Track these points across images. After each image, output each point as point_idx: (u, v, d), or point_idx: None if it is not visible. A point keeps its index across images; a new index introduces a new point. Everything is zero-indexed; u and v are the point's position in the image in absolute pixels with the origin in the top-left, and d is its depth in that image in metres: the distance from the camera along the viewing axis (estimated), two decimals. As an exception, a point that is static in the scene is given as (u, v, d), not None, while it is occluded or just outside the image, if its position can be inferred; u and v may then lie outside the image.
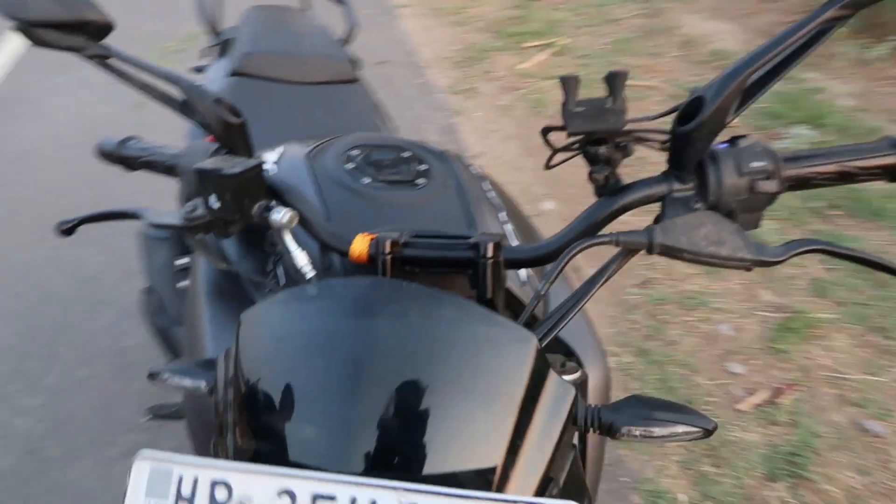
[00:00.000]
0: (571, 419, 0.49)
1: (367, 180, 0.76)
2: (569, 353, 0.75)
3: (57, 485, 1.48)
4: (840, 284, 1.95)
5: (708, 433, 0.50)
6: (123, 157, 0.72)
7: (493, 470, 0.44)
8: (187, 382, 0.55)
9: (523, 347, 0.48)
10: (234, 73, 1.28)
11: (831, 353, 1.76)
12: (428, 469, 0.42)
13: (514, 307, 0.76)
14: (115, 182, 1.89)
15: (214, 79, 1.34)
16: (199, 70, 1.51)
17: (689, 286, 1.99)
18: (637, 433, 0.50)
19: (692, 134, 0.54)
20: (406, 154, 0.83)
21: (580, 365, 0.74)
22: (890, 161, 0.55)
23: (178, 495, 0.41)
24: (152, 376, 0.56)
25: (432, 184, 0.79)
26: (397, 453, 0.43)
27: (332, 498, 0.39)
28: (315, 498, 0.39)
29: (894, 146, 0.55)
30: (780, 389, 1.67)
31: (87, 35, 0.60)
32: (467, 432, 0.44)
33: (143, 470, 0.42)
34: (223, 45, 1.45)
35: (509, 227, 0.82)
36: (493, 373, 0.46)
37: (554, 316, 0.57)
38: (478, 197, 0.82)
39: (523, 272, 0.79)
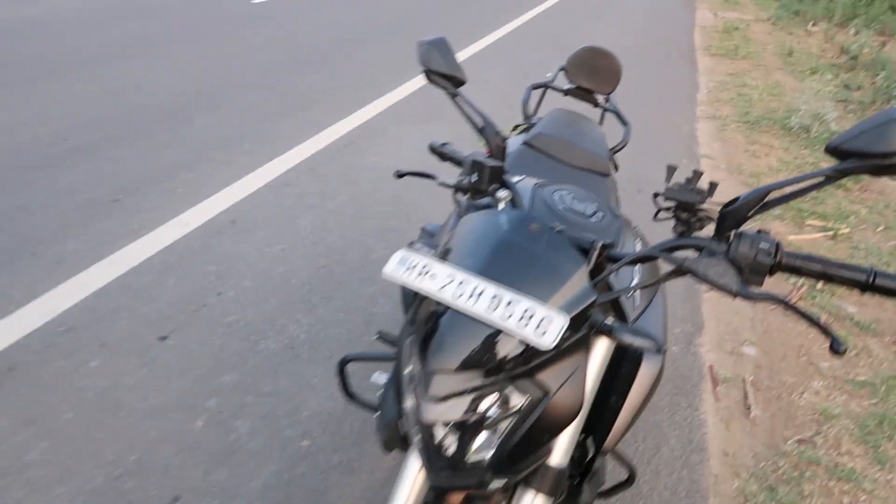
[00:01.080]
0: (586, 312, 0.91)
1: (561, 206, 1.26)
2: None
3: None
4: None
5: (658, 349, 0.88)
6: (440, 153, 1.32)
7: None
8: (424, 251, 1.09)
9: (576, 263, 0.92)
10: (525, 144, 1.87)
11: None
12: (512, 286, 0.88)
13: (617, 309, 1.19)
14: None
15: (514, 143, 1.94)
16: (506, 138, 2.16)
17: (849, 462, 2.06)
18: (625, 339, 0.90)
19: (726, 217, 0.94)
20: (594, 204, 1.31)
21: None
22: (861, 279, 0.88)
23: (407, 266, 0.94)
24: (410, 245, 1.12)
25: (599, 223, 1.26)
26: (502, 276, 0.89)
27: (469, 283, 0.88)
28: (462, 281, 0.89)
29: (871, 273, 0.88)
30: (890, 577, 1.70)
31: (452, 83, 1.21)
32: (535, 282, 0.89)
33: (398, 254, 0.96)
34: (529, 126, 2.08)
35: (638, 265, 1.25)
36: (557, 267, 0.91)
37: (619, 290, 0.99)
38: (625, 241, 1.27)
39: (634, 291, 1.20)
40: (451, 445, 0.90)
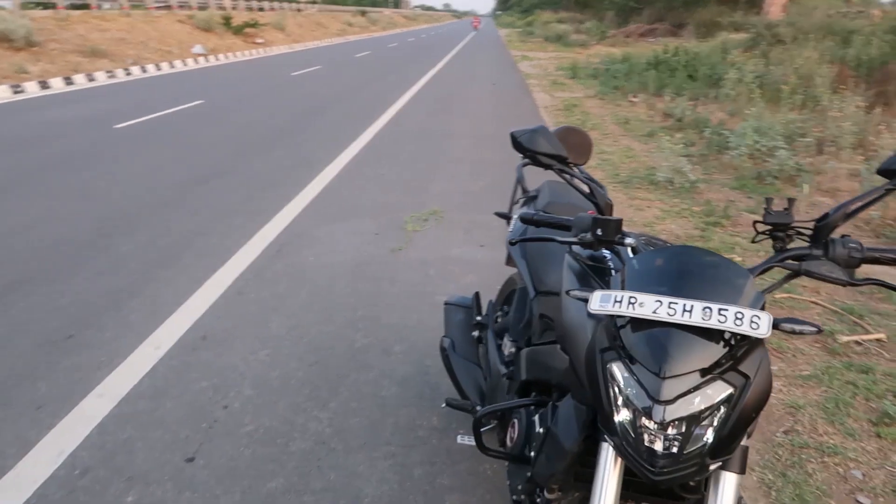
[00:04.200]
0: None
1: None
2: None
3: (359, 452, 2.23)
4: (967, 466, 2.32)
5: (820, 330, 1.16)
6: (534, 221, 1.55)
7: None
8: (579, 295, 1.31)
9: (744, 276, 1.17)
10: (543, 211, 2.16)
11: (951, 510, 2.13)
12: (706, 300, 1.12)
13: None
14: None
15: (528, 211, 2.22)
16: (509, 212, 2.43)
17: (829, 440, 2.46)
18: (794, 327, 1.16)
19: (821, 229, 1.25)
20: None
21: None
22: None
23: (611, 301, 1.15)
24: (567, 292, 1.33)
25: None
26: (696, 294, 1.11)
27: (676, 303, 1.11)
28: (669, 303, 1.11)
29: None
30: (899, 521, 2.06)
31: (556, 160, 1.46)
32: (723, 294, 1.12)
33: (595, 294, 1.17)
34: (529, 198, 2.37)
35: None
36: (730, 281, 1.16)
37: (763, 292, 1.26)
38: None
39: None
40: (672, 440, 1.10)
